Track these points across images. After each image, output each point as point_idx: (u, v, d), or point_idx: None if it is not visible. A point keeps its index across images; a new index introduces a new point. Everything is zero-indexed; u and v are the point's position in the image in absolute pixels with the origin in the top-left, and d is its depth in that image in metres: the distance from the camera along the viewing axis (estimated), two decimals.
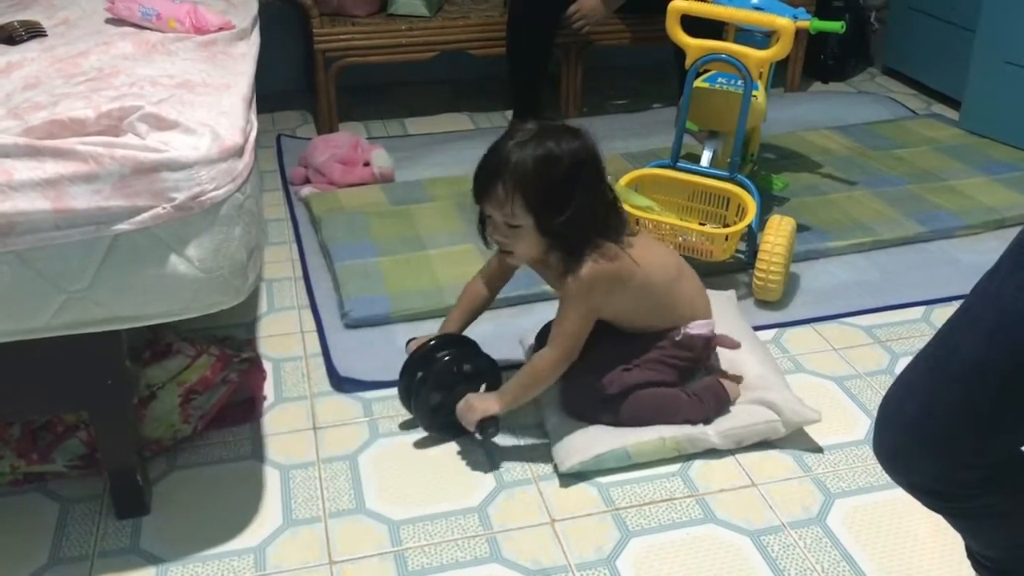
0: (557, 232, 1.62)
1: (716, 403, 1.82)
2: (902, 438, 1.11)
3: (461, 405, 1.74)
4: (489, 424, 1.73)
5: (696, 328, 1.80)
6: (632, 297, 1.73)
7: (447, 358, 1.80)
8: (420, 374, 1.79)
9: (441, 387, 1.78)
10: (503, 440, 1.83)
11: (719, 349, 1.89)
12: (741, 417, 1.81)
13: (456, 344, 1.84)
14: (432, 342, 1.83)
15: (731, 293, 2.20)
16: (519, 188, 1.59)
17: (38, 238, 1.30)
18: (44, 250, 1.31)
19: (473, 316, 1.90)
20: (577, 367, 1.74)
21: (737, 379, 1.87)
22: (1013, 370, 1.00)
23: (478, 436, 1.74)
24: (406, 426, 1.88)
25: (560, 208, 1.60)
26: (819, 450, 1.82)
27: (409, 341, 1.91)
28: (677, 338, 1.79)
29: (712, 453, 1.80)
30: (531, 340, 1.97)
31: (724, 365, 1.92)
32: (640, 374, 1.78)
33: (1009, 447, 1.09)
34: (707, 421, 1.80)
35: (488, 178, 1.62)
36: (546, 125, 1.65)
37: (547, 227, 1.61)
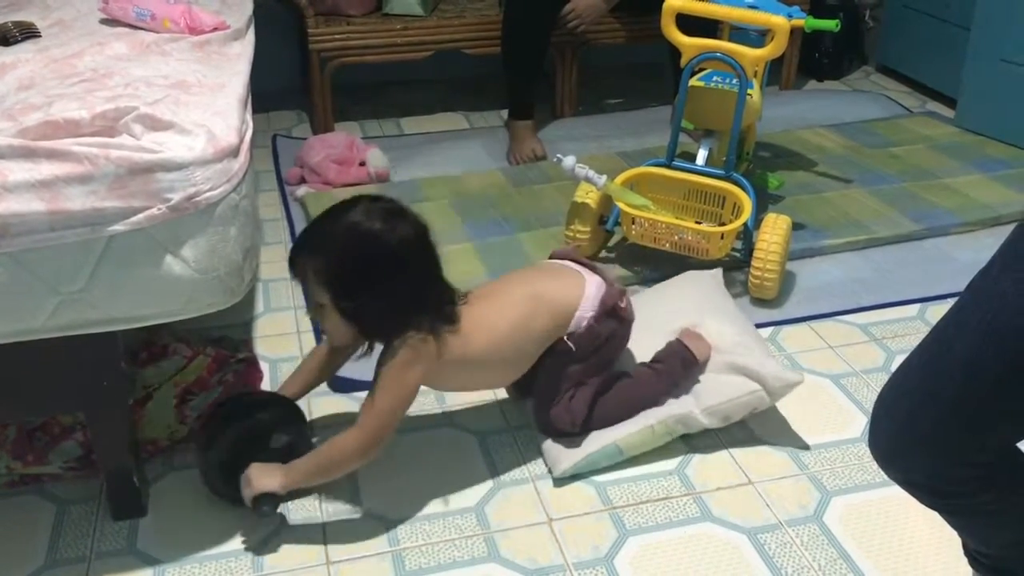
0: (355, 314, 1.53)
1: (683, 367, 1.78)
2: (897, 435, 1.12)
3: (244, 476, 1.56)
4: (266, 502, 1.55)
5: (580, 322, 1.69)
6: (481, 367, 1.66)
7: (262, 418, 1.64)
8: (228, 424, 1.62)
9: (242, 447, 1.60)
10: (501, 441, 1.83)
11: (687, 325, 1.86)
12: (724, 391, 1.78)
13: (282, 409, 1.69)
14: (260, 396, 1.71)
15: (716, 271, 2.17)
16: (316, 266, 1.52)
17: (33, 239, 1.29)
18: (39, 251, 1.31)
19: (314, 382, 1.79)
20: (535, 401, 1.75)
21: (698, 336, 1.83)
22: (1006, 367, 1.01)
23: (254, 513, 1.57)
24: (402, 425, 1.87)
25: (356, 291, 1.51)
26: (815, 448, 1.82)
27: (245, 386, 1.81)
28: (573, 349, 1.69)
29: (708, 451, 1.80)
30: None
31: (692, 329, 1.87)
32: (584, 392, 1.73)
33: (1003, 444, 1.10)
34: (683, 387, 1.77)
35: (295, 251, 1.57)
36: (374, 205, 1.54)
37: (343, 307, 1.53)
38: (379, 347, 1.60)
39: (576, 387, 1.73)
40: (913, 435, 1.10)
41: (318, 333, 2.14)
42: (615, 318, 1.73)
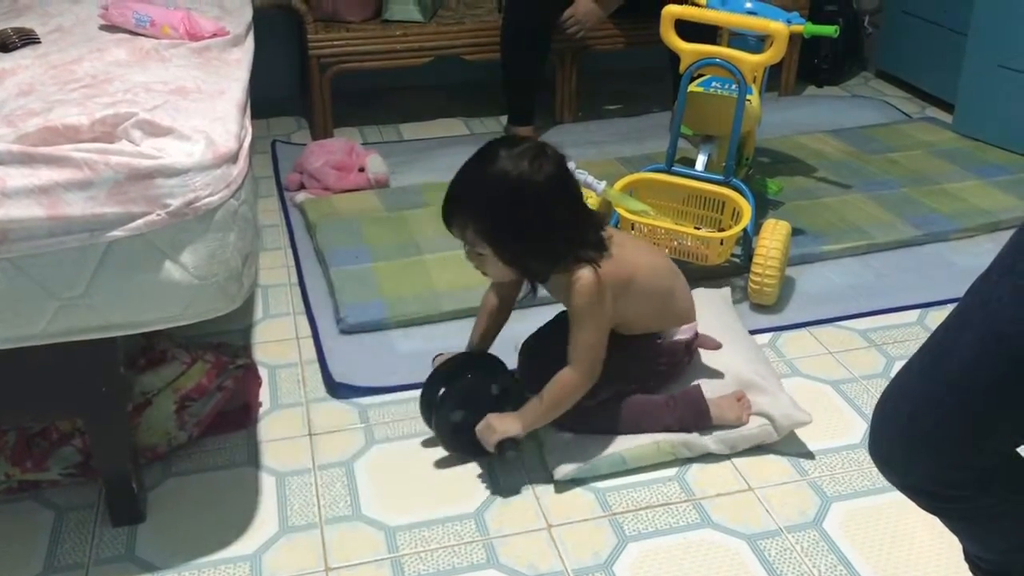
0: (520, 259, 1.60)
1: (693, 414, 1.78)
2: (896, 439, 1.12)
3: (481, 426, 1.69)
4: (509, 446, 1.68)
5: (681, 333, 1.79)
6: (635, 301, 1.70)
7: (470, 376, 1.77)
8: (443, 390, 1.75)
9: (463, 405, 1.74)
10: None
11: (705, 350, 1.88)
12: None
13: (481, 362, 1.82)
14: (458, 359, 1.80)
15: (725, 291, 2.20)
16: (471, 219, 1.57)
17: (32, 245, 1.29)
18: (38, 257, 1.31)
19: (494, 330, 1.86)
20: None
21: (733, 403, 1.81)
22: (1004, 373, 1.01)
23: (497, 458, 1.71)
24: (402, 432, 1.88)
25: (516, 239, 1.56)
26: (815, 454, 1.81)
27: (436, 357, 1.87)
28: (660, 342, 1.77)
29: (709, 457, 1.80)
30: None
31: (713, 367, 1.88)
32: (620, 385, 1.76)
33: (1003, 449, 1.10)
34: (684, 429, 1.78)
35: (447, 206, 1.60)
36: (513, 150, 1.56)
37: (508, 256, 1.59)
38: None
39: (608, 382, 1.74)
40: (912, 439, 1.10)
41: (318, 340, 2.14)
42: (691, 356, 1.85)
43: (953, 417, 1.06)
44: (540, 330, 1.87)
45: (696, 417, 1.78)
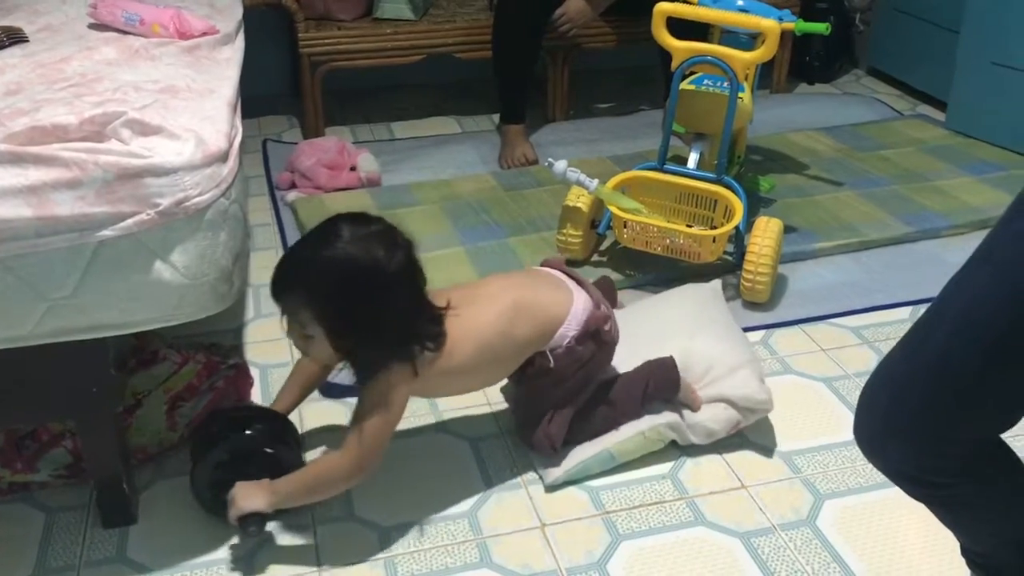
0: (350, 348, 1.50)
1: (663, 377, 1.76)
2: (878, 425, 1.14)
3: (231, 494, 1.52)
4: (252, 521, 1.52)
5: (561, 340, 1.66)
6: (460, 376, 1.62)
7: (251, 434, 1.60)
8: (219, 441, 1.59)
9: (232, 464, 1.57)
10: (494, 447, 1.82)
11: (672, 350, 1.84)
12: (706, 412, 1.79)
13: (273, 423, 1.65)
14: (252, 411, 1.68)
15: (716, 284, 2.18)
16: (309, 301, 1.46)
17: (21, 245, 1.28)
18: (27, 257, 1.30)
19: (304, 393, 1.76)
20: (519, 421, 1.77)
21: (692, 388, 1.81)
22: (980, 360, 1.02)
23: (240, 531, 1.55)
24: (394, 432, 1.87)
25: (353, 327, 1.46)
26: (808, 452, 1.81)
27: (237, 401, 1.79)
28: (551, 365, 1.66)
29: (701, 455, 1.80)
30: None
31: (683, 357, 1.82)
32: (562, 414, 1.71)
33: (981, 435, 1.11)
34: (653, 395, 1.75)
35: (281, 284, 1.49)
36: (361, 231, 1.47)
37: (339, 343, 1.48)
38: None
39: (555, 409, 1.71)
40: (892, 425, 1.11)
41: None
42: (596, 341, 1.70)
43: (930, 404, 1.07)
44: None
45: (667, 384, 1.76)
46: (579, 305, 1.68)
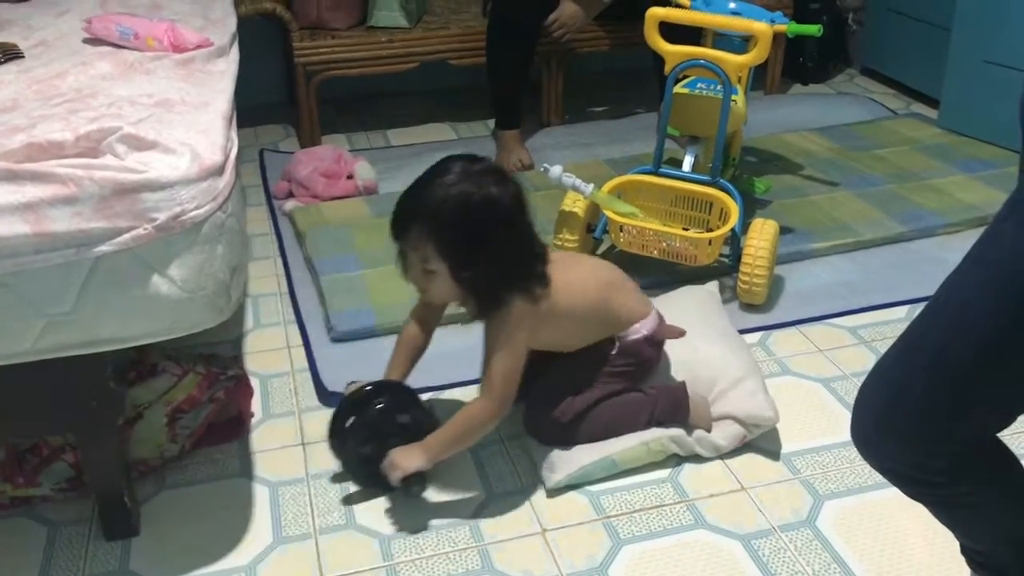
0: (472, 282, 1.57)
1: (671, 407, 1.78)
2: (873, 424, 1.14)
3: (385, 463, 1.63)
4: (414, 481, 1.64)
5: (632, 334, 1.77)
6: (560, 326, 1.69)
7: (380, 406, 1.69)
8: (351, 420, 1.69)
9: (372, 437, 1.67)
10: (494, 453, 1.83)
11: (676, 357, 1.87)
12: (714, 428, 1.80)
13: (392, 392, 1.74)
14: (368, 387, 1.73)
15: (712, 286, 2.19)
16: (434, 234, 1.53)
17: (18, 262, 1.29)
18: (24, 274, 1.30)
19: (413, 360, 1.82)
20: (531, 399, 1.76)
21: (704, 402, 1.82)
22: (974, 360, 1.03)
23: (403, 492, 1.66)
24: None
25: (476, 259, 1.54)
26: (807, 453, 1.82)
27: (349, 384, 1.83)
28: (613, 352, 1.76)
29: (701, 459, 1.80)
30: None
31: (685, 367, 1.86)
32: (590, 394, 1.76)
33: (976, 435, 1.11)
34: (660, 422, 1.77)
35: (405, 219, 1.57)
36: (474, 168, 1.56)
37: (462, 276, 1.56)
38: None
39: (573, 396, 1.75)
40: (887, 425, 1.12)
41: (309, 349, 2.14)
42: (658, 350, 1.83)
43: (926, 403, 1.08)
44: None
45: (675, 411, 1.78)
46: (654, 314, 1.81)
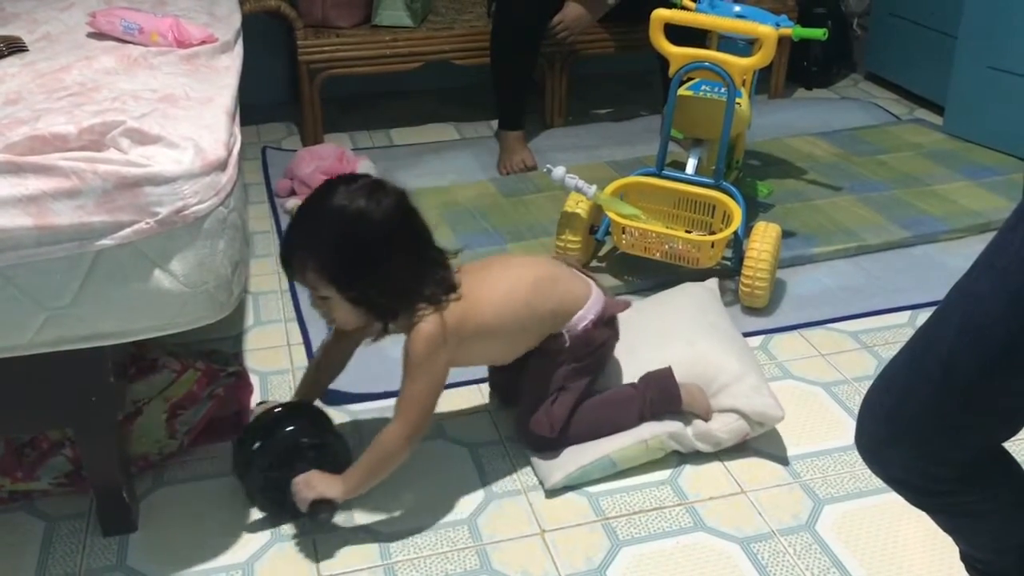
0: (362, 299, 1.52)
1: (663, 396, 1.76)
2: (878, 431, 1.13)
3: (300, 480, 1.58)
4: (323, 508, 1.57)
5: (580, 322, 1.70)
6: (495, 339, 1.66)
7: (289, 429, 1.64)
8: (257, 444, 1.63)
9: (280, 463, 1.61)
10: (493, 453, 1.83)
11: (674, 355, 1.85)
12: (716, 420, 1.79)
13: (303, 415, 1.70)
14: (278, 409, 1.69)
15: (711, 283, 2.18)
16: (311, 259, 1.49)
17: (20, 255, 1.29)
18: (26, 267, 1.30)
19: (325, 383, 1.81)
20: (519, 408, 1.76)
21: (700, 390, 1.80)
22: (982, 368, 1.02)
23: (309, 519, 1.60)
24: None
25: (358, 275, 1.49)
26: (807, 457, 1.82)
27: (258, 404, 1.80)
28: (566, 345, 1.69)
29: (701, 461, 1.80)
30: None
31: (687, 363, 1.83)
32: (566, 398, 1.73)
33: (983, 444, 1.11)
34: (655, 413, 1.76)
35: (287, 251, 1.54)
36: (348, 186, 1.51)
37: (351, 296, 1.51)
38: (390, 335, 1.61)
39: (559, 392, 1.73)
40: (894, 433, 1.11)
41: (309, 347, 2.14)
42: (611, 328, 1.76)
43: (933, 411, 1.07)
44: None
45: (666, 399, 1.77)
46: (596, 293, 1.74)
